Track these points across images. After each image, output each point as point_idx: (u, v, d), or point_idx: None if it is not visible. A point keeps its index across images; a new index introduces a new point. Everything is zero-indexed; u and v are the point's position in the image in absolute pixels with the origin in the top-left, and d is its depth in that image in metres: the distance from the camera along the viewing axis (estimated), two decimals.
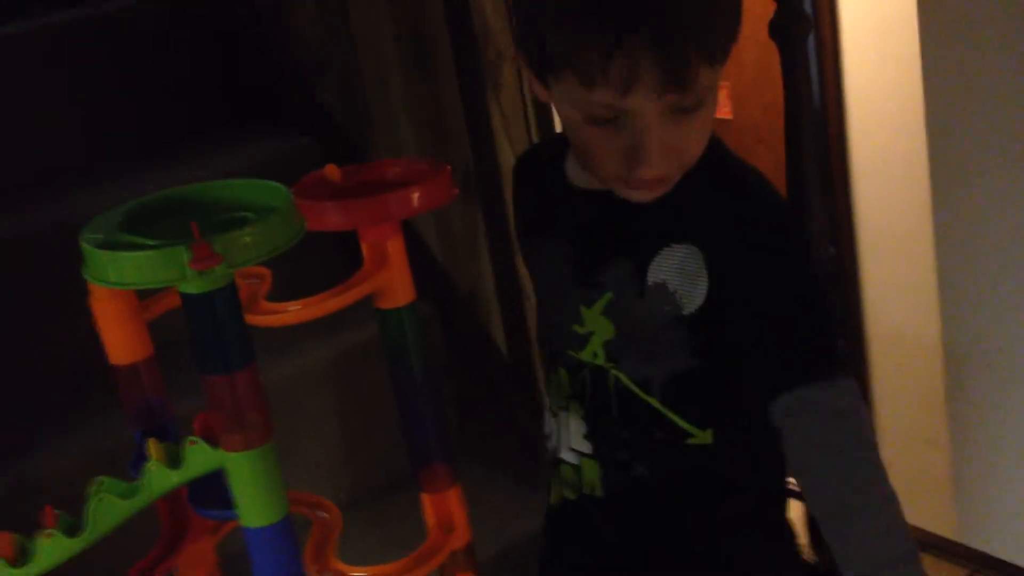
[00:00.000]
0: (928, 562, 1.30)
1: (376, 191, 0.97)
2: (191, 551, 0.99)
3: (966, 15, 1.51)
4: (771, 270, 0.82)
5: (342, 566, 0.97)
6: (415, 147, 1.69)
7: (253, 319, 0.91)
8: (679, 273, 0.82)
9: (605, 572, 0.95)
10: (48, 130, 1.71)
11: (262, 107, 1.83)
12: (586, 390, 0.89)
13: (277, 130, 1.76)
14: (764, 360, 0.83)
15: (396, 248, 0.97)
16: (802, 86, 1.24)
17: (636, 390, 0.86)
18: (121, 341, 0.94)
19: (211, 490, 0.89)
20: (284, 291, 0.98)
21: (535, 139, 1.57)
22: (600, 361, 0.88)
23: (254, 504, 0.83)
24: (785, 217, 0.86)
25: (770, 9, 1.22)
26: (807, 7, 1.24)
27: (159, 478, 0.83)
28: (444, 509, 1.04)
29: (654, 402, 0.86)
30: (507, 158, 1.57)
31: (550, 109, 1.55)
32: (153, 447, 0.83)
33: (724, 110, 2.51)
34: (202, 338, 0.79)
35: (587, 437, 0.91)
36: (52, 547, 0.79)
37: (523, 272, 1.58)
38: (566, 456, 0.93)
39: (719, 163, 0.85)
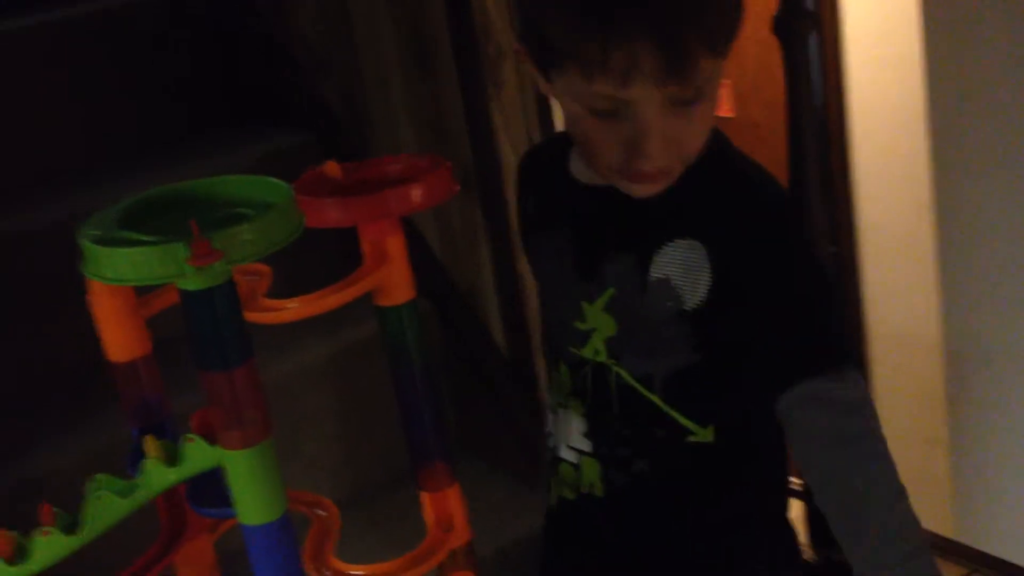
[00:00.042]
0: None
1: (376, 188, 0.97)
2: (189, 549, 0.99)
3: (968, 15, 1.51)
4: (774, 262, 0.82)
5: (340, 564, 0.96)
6: (415, 145, 1.69)
7: (252, 316, 0.90)
8: (682, 268, 0.82)
9: (605, 572, 0.95)
10: (48, 128, 1.71)
11: (262, 106, 1.83)
12: (587, 387, 0.89)
13: (277, 129, 1.76)
14: (769, 353, 0.82)
15: (396, 245, 0.97)
16: (804, 84, 1.24)
17: (637, 387, 0.86)
18: (119, 338, 0.94)
19: (209, 488, 0.89)
20: (283, 288, 0.98)
21: (535, 137, 1.57)
22: (602, 358, 0.87)
23: (252, 502, 0.83)
24: (787, 210, 0.86)
25: (772, 7, 1.22)
26: (810, 4, 1.24)
27: (157, 476, 0.82)
28: (443, 507, 1.04)
29: (655, 399, 0.86)
30: (507, 156, 1.57)
31: (550, 107, 1.55)
32: (151, 444, 0.83)
33: (725, 108, 2.51)
34: (201, 335, 0.79)
35: (587, 435, 0.90)
36: (49, 545, 0.78)
37: (523, 270, 1.58)
38: (565, 455, 0.93)
39: (721, 157, 0.85)
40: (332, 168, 0.99)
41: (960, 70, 1.55)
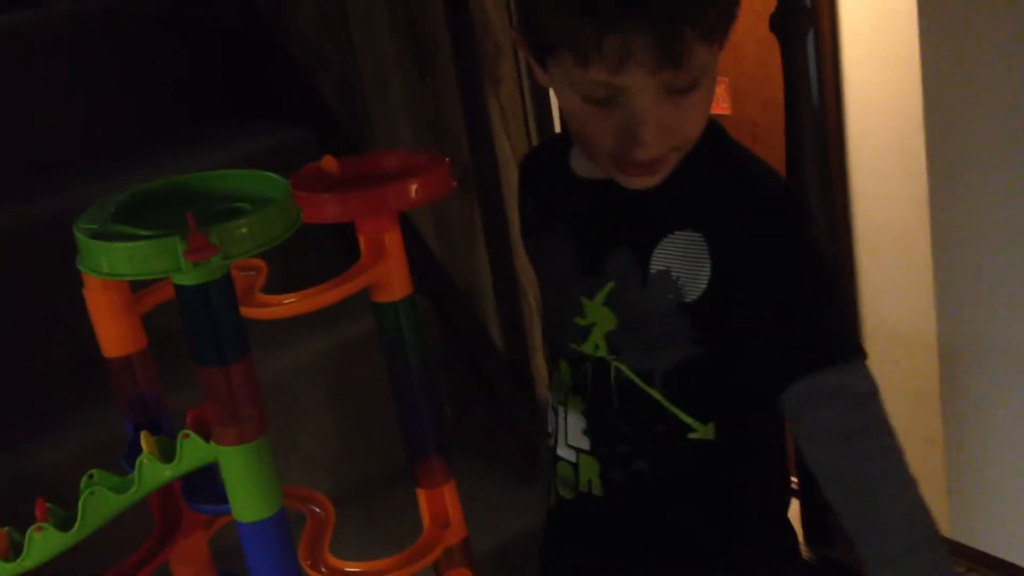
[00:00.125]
0: None
1: (373, 183, 0.96)
2: (184, 546, 0.98)
3: (965, 13, 1.51)
4: (775, 254, 0.81)
5: (336, 561, 0.96)
6: (413, 142, 1.69)
7: (249, 312, 0.90)
8: (682, 260, 0.82)
9: (604, 571, 0.94)
10: (47, 122, 1.71)
11: (261, 103, 1.83)
12: (587, 383, 0.89)
13: (276, 126, 1.76)
14: (771, 347, 0.82)
15: (393, 241, 0.96)
16: (802, 82, 1.24)
17: (638, 381, 0.86)
18: (114, 333, 0.94)
19: (204, 484, 0.89)
20: (280, 284, 0.98)
21: (533, 134, 1.57)
22: (602, 353, 0.87)
23: (248, 499, 0.82)
24: (788, 201, 0.85)
25: (770, 5, 1.22)
26: (808, 2, 1.24)
27: (152, 472, 0.82)
28: (439, 504, 1.04)
29: (656, 394, 0.85)
30: (505, 153, 1.56)
31: (549, 104, 1.55)
32: (146, 441, 0.82)
33: (722, 106, 2.51)
34: (197, 330, 0.79)
35: (586, 432, 0.90)
36: (44, 541, 0.78)
37: (521, 268, 1.58)
38: (564, 453, 0.92)
39: (720, 149, 0.85)
40: (329, 163, 0.99)
41: (958, 69, 1.55)
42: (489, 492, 1.55)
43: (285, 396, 1.50)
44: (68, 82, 1.73)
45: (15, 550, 0.78)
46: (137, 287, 0.94)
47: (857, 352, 0.82)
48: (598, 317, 0.87)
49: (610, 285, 0.85)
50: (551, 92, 1.41)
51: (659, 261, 0.83)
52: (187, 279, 0.76)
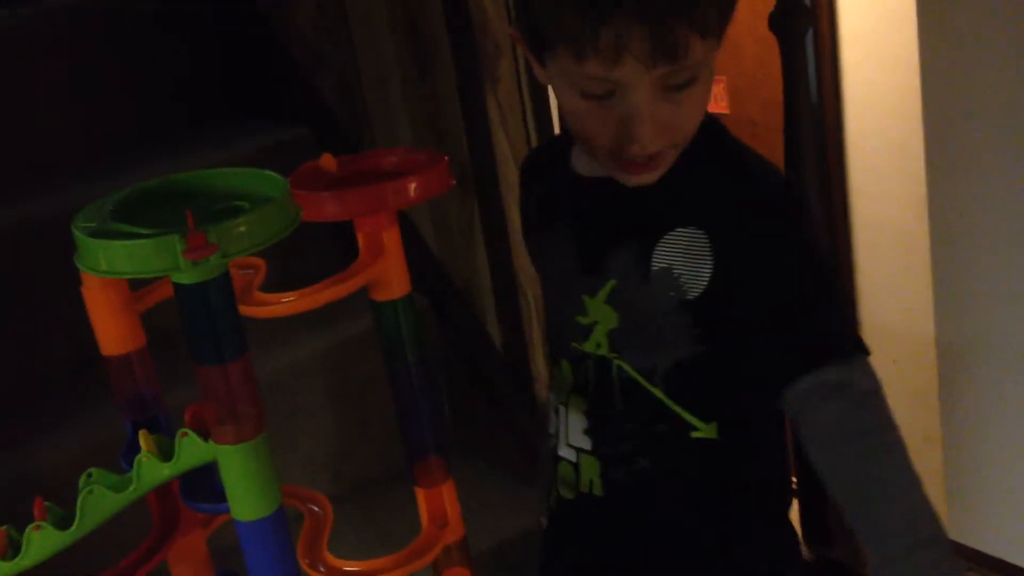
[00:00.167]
0: None
1: (372, 181, 0.96)
2: (182, 544, 0.98)
3: (965, 11, 1.51)
4: (776, 250, 0.81)
5: (335, 560, 0.96)
6: (412, 141, 1.69)
7: (247, 310, 0.90)
8: (684, 257, 0.82)
9: (604, 571, 0.94)
10: (47, 121, 1.71)
11: (261, 102, 1.83)
12: (589, 382, 0.89)
13: (275, 125, 1.76)
14: (774, 344, 0.82)
15: (392, 239, 0.96)
16: (801, 81, 1.24)
17: (640, 379, 0.86)
18: (113, 331, 0.94)
19: (203, 483, 0.89)
20: (279, 282, 0.98)
21: (532, 132, 1.57)
22: (603, 351, 0.87)
23: (246, 497, 0.82)
24: (788, 197, 0.85)
25: (769, 5, 1.22)
26: (807, 1, 1.24)
27: (150, 470, 0.82)
28: (438, 503, 1.04)
29: (658, 392, 0.85)
30: (504, 151, 1.56)
31: (547, 102, 1.55)
32: (144, 439, 0.82)
33: (721, 105, 2.50)
34: (195, 329, 0.79)
35: (587, 432, 0.90)
36: (42, 540, 0.78)
37: (520, 266, 1.58)
38: (564, 453, 0.92)
39: (721, 146, 0.85)
40: (328, 161, 0.99)
41: (957, 69, 1.55)
42: (488, 491, 1.55)
43: (284, 395, 1.50)
44: (68, 81, 1.73)
45: (14, 549, 0.78)
46: (136, 285, 0.94)
47: (858, 349, 0.81)
48: (600, 315, 0.86)
49: (612, 283, 0.85)
50: (550, 91, 1.42)
51: (661, 258, 0.83)
52: (186, 277, 0.76)
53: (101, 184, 1.51)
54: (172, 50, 1.81)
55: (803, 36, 1.24)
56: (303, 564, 0.94)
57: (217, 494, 0.84)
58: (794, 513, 1.18)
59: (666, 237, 0.82)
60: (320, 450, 1.54)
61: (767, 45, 1.25)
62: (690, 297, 0.82)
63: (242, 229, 0.76)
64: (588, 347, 0.88)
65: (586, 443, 0.90)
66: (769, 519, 0.93)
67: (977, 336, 1.64)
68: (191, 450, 0.82)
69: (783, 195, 0.84)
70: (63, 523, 0.79)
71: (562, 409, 0.92)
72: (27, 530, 0.78)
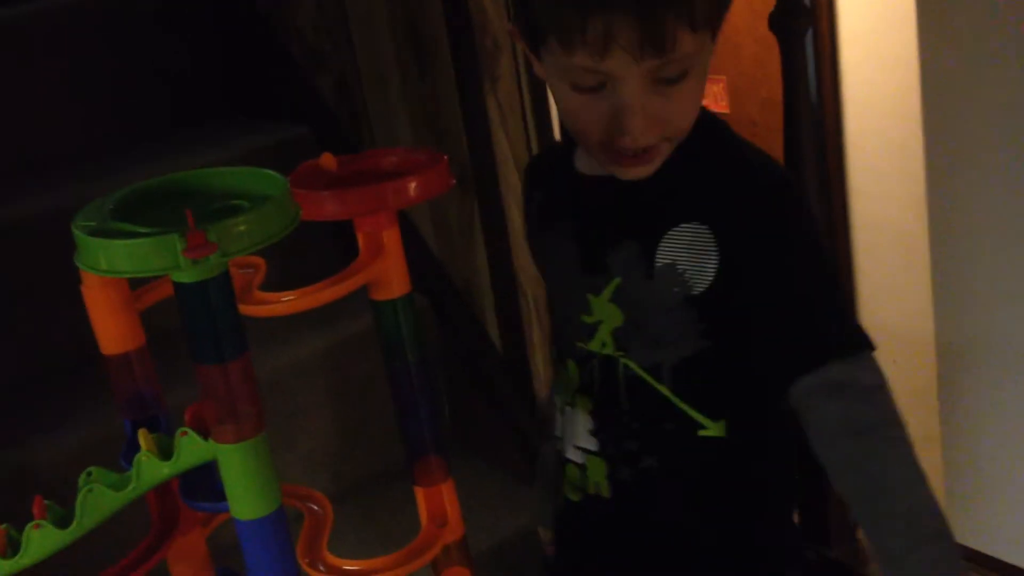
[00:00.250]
0: None
1: (372, 181, 0.96)
2: (181, 543, 0.98)
3: (965, 11, 1.51)
4: (777, 246, 0.81)
5: (334, 559, 0.96)
6: (412, 140, 1.69)
7: (247, 309, 0.90)
8: (688, 252, 0.82)
9: (611, 572, 0.94)
10: (45, 118, 1.71)
11: (260, 101, 1.83)
12: (594, 381, 0.88)
13: (275, 124, 1.76)
14: (778, 341, 0.82)
15: (392, 238, 0.96)
16: (801, 81, 1.24)
17: (646, 377, 0.85)
18: (113, 330, 0.94)
19: (202, 482, 0.89)
20: (279, 281, 0.98)
21: (532, 131, 1.57)
22: (609, 350, 0.87)
23: (246, 496, 0.82)
24: (788, 192, 0.85)
25: (769, 4, 1.22)
26: (807, 1, 1.24)
27: (150, 469, 0.82)
28: (437, 503, 1.04)
29: (664, 390, 0.85)
30: (504, 151, 1.56)
31: (547, 101, 1.55)
32: (144, 438, 0.82)
33: (721, 105, 2.50)
34: (195, 328, 0.79)
35: (594, 433, 0.89)
36: (42, 538, 0.78)
37: (519, 266, 1.58)
38: (571, 455, 0.92)
39: (721, 142, 0.85)
40: (328, 160, 0.99)
41: (956, 69, 1.55)
42: (487, 491, 1.55)
43: (283, 394, 1.50)
44: (68, 80, 1.73)
45: (13, 547, 0.78)
46: (135, 284, 0.94)
47: (862, 345, 0.81)
48: (605, 314, 0.86)
49: (616, 281, 0.85)
50: (549, 89, 1.41)
51: (665, 255, 0.83)
52: (186, 276, 0.76)
53: (101, 183, 1.52)
54: (172, 49, 1.81)
55: (803, 36, 1.24)
56: (303, 563, 0.94)
57: (217, 493, 0.84)
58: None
59: (670, 233, 0.82)
60: (320, 449, 1.54)
61: (767, 45, 1.25)
62: (695, 293, 0.82)
63: (242, 228, 0.76)
64: (593, 346, 0.88)
65: (592, 444, 0.90)
66: (776, 519, 0.93)
67: (977, 336, 1.64)
68: (191, 449, 0.82)
69: (784, 191, 0.84)
70: (63, 522, 0.79)
71: (568, 410, 0.92)
72: (27, 529, 0.78)
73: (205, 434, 0.81)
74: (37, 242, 1.47)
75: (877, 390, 0.80)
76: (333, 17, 1.72)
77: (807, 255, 0.83)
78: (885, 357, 0.84)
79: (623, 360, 0.86)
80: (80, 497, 0.79)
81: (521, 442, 1.58)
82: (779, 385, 0.81)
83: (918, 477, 0.79)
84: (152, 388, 0.97)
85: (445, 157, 0.98)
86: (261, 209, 0.77)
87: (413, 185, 0.95)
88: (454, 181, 0.99)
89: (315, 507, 0.99)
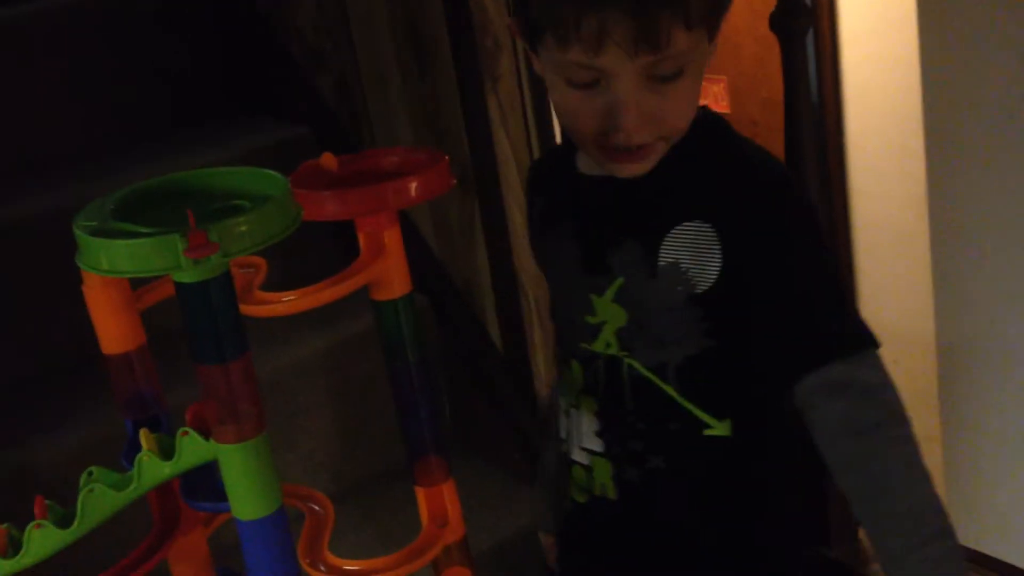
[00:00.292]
0: None
1: (373, 180, 0.96)
2: (182, 544, 0.98)
3: (965, 11, 1.51)
4: (781, 244, 0.81)
5: (335, 559, 0.96)
6: (412, 140, 1.69)
7: (248, 309, 0.90)
8: (691, 250, 0.82)
9: (618, 573, 0.94)
10: (45, 117, 1.71)
11: (260, 100, 1.83)
12: (599, 382, 0.88)
13: (275, 123, 1.76)
14: (779, 340, 0.82)
15: (393, 238, 0.96)
16: (801, 81, 1.24)
17: (651, 377, 0.85)
18: (114, 330, 0.94)
19: (203, 482, 0.89)
20: (280, 281, 0.98)
21: (533, 131, 1.57)
22: (613, 350, 0.87)
23: (247, 496, 0.82)
24: (790, 190, 0.85)
25: (769, 4, 1.22)
26: (808, 1, 1.24)
27: (151, 469, 0.82)
28: (438, 503, 1.04)
29: (670, 390, 0.85)
30: (504, 150, 1.56)
31: (548, 101, 1.55)
32: (145, 438, 0.82)
33: (722, 105, 2.50)
34: (196, 328, 0.79)
35: (599, 434, 0.89)
36: (43, 538, 0.78)
37: (520, 266, 1.58)
38: (577, 456, 0.91)
39: (722, 141, 0.85)
40: (328, 160, 0.99)
41: (957, 68, 1.55)
42: (488, 491, 1.55)
43: (284, 394, 1.50)
44: (68, 79, 1.73)
45: (14, 547, 0.78)
46: (136, 284, 0.94)
47: (864, 343, 0.81)
48: (608, 314, 0.86)
49: (619, 280, 0.85)
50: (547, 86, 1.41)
51: (668, 253, 0.82)
52: (187, 276, 0.76)
53: (101, 183, 1.52)
54: (172, 49, 1.81)
55: (803, 36, 1.24)
56: (304, 563, 0.94)
57: (218, 493, 0.84)
58: None
59: (672, 232, 0.82)
60: (321, 449, 1.54)
61: (767, 45, 1.25)
62: (698, 291, 0.82)
63: (243, 228, 0.76)
64: (597, 347, 0.87)
65: (598, 445, 0.89)
66: (778, 519, 0.92)
67: (977, 336, 1.64)
68: (192, 449, 0.82)
69: (784, 190, 0.84)
70: (64, 522, 0.79)
71: (573, 412, 0.91)
72: (28, 528, 0.78)
73: (206, 434, 0.81)
74: (37, 242, 1.47)
75: (879, 389, 0.80)
76: (333, 17, 1.72)
77: (808, 254, 0.83)
78: (886, 357, 0.84)
79: (627, 360, 0.86)
80: (81, 497, 0.79)
81: (522, 442, 1.58)
82: (782, 384, 0.81)
83: (920, 476, 0.79)
84: (153, 388, 0.97)
85: (446, 157, 0.98)
86: (262, 209, 0.77)
87: (414, 185, 0.95)
88: (455, 181, 0.99)
89: (316, 507, 0.99)
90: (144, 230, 0.76)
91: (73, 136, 1.73)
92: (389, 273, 0.97)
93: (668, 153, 0.83)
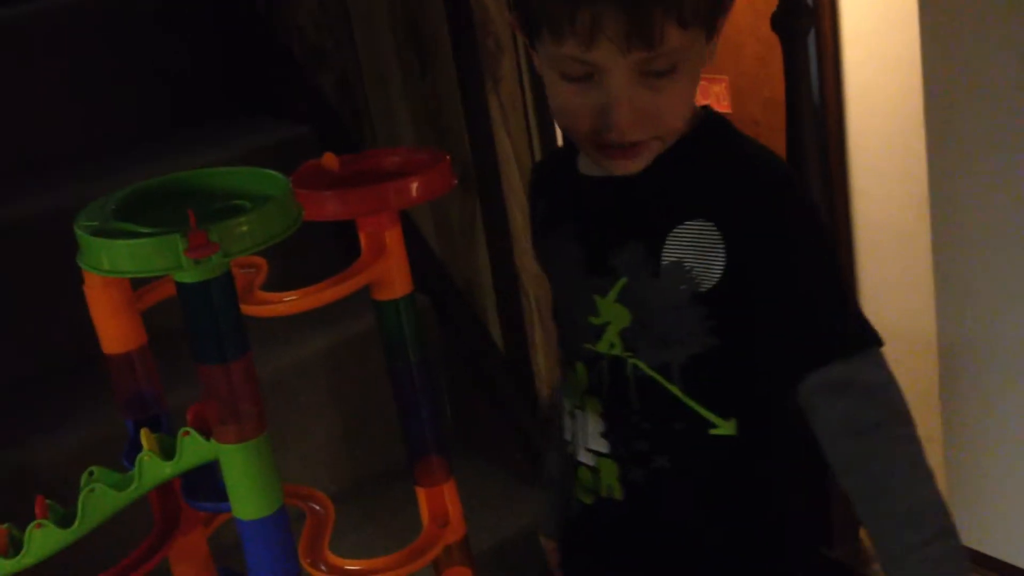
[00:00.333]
0: None
1: (374, 180, 0.96)
2: (183, 543, 0.98)
3: (967, 11, 1.51)
4: (782, 243, 0.81)
5: (336, 559, 0.96)
6: (414, 139, 1.69)
7: (249, 309, 0.90)
8: (695, 249, 0.82)
9: (623, 574, 0.93)
10: (45, 118, 1.71)
11: (261, 100, 1.83)
12: (604, 383, 0.88)
13: (276, 123, 1.76)
14: (782, 339, 0.82)
15: (394, 238, 0.96)
16: (803, 81, 1.24)
17: (656, 376, 0.85)
18: (114, 330, 0.93)
19: (204, 482, 0.89)
20: (281, 281, 0.98)
21: (534, 131, 1.57)
22: (617, 351, 0.86)
23: (248, 496, 0.82)
24: (792, 186, 0.85)
25: (771, 4, 1.22)
26: (809, 1, 1.24)
27: (152, 469, 0.82)
28: (439, 503, 1.04)
29: (674, 389, 0.85)
30: (506, 150, 1.56)
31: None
32: (146, 438, 0.82)
33: (723, 104, 2.50)
34: (198, 328, 0.78)
35: (604, 435, 0.89)
36: (43, 538, 0.78)
37: (521, 266, 1.58)
38: (583, 458, 0.91)
39: (723, 139, 0.85)
40: (330, 160, 0.99)
41: (958, 69, 1.55)
42: (489, 490, 1.55)
43: (285, 394, 1.50)
44: (68, 79, 1.73)
45: (15, 547, 0.78)
46: (137, 284, 0.94)
47: (866, 342, 0.81)
48: (612, 315, 0.86)
49: (623, 281, 0.85)
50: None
51: (671, 253, 0.82)
52: (188, 276, 0.76)
53: (101, 183, 1.52)
54: (172, 49, 1.81)
55: (805, 36, 1.24)
56: (304, 563, 0.94)
57: (218, 493, 0.84)
58: None
59: (675, 231, 0.82)
60: (321, 449, 1.54)
61: (769, 45, 1.25)
62: (702, 290, 0.82)
63: (244, 228, 0.76)
64: (601, 347, 0.87)
65: (603, 446, 0.89)
66: (781, 518, 0.92)
67: (978, 336, 1.64)
68: (193, 449, 0.82)
69: (785, 188, 0.84)
70: (64, 521, 0.79)
71: (579, 413, 0.91)
72: (28, 528, 0.78)
73: (207, 434, 0.81)
74: (37, 242, 1.47)
75: (881, 388, 0.80)
76: (334, 15, 1.72)
77: (810, 253, 0.83)
78: (887, 357, 0.83)
79: (632, 360, 0.86)
80: (82, 496, 0.79)
81: (523, 442, 1.57)
82: (785, 383, 0.81)
83: (922, 476, 0.79)
84: (153, 388, 0.97)
85: (447, 157, 0.98)
86: (263, 209, 0.77)
87: (415, 185, 0.95)
88: (456, 181, 0.99)
89: (317, 507, 0.99)
90: (145, 230, 0.76)
91: (73, 136, 1.73)
92: (390, 273, 0.97)
93: (670, 152, 0.83)
